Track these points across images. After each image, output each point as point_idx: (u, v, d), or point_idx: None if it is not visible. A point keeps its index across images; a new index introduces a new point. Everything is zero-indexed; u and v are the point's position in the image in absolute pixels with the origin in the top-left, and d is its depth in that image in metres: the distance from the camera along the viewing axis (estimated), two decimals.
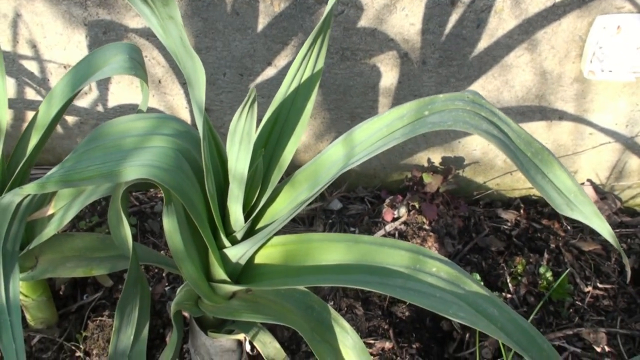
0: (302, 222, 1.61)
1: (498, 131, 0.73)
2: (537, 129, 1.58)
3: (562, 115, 1.55)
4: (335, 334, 1.20)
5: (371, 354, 1.37)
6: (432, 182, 1.57)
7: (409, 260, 1.01)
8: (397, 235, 1.57)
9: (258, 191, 0.95)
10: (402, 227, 1.59)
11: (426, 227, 1.57)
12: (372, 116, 0.85)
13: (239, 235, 1.03)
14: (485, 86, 1.51)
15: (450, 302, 0.95)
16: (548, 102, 1.53)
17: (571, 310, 1.46)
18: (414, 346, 1.37)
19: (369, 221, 1.62)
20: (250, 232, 1.06)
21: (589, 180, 1.68)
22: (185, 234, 1.05)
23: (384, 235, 1.58)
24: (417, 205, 1.58)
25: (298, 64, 0.87)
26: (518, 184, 1.70)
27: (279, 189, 1.00)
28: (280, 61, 1.49)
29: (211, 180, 0.89)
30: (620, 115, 1.54)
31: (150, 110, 1.59)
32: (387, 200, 1.61)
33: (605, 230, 0.85)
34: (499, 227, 1.62)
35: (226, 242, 1.03)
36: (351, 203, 1.67)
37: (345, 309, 1.45)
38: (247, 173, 0.85)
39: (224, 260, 1.08)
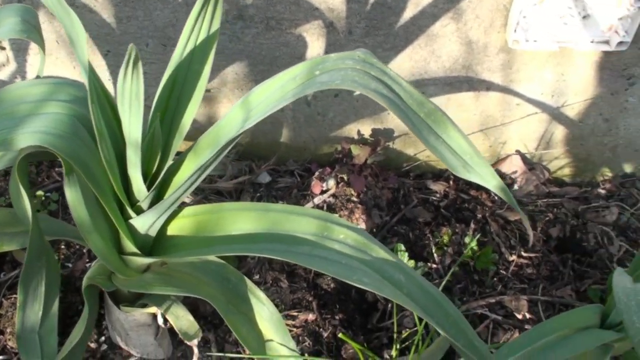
0: (229, 196, 1.59)
1: (388, 90, 0.72)
2: (464, 100, 1.57)
3: (489, 86, 1.55)
4: (251, 305, 1.18)
5: (294, 325, 1.36)
6: (360, 154, 1.56)
7: (317, 228, 1.00)
8: (325, 207, 1.56)
9: (159, 157, 0.92)
10: (331, 199, 1.58)
11: (354, 199, 1.56)
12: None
13: (144, 205, 1.01)
14: (412, 56, 1.49)
15: (355, 268, 0.94)
16: (475, 72, 1.53)
17: (495, 279, 1.47)
18: (337, 317, 1.37)
19: (298, 194, 1.61)
20: (156, 202, 1.03)
21: (517, 150, 1.69)
22: (92, 206, 1.02)
23: (313, 208, 1.57)
24: (345, 178, 1.57)
25: (191, 26, 0.84)
26: None
27: (183, 156, 0.98)
28: None
29: (106, 147, 0.86)
30: (546, 86, 1.55)
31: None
32: (317, 173, 1.60)
33: (503, 193, 0.85)
34: (428, 199, 1.63)
35: (131, 213, 1.01)
36: (280, 176, 1.66)
37: (271, 281, 1.44)
38: (141, 138, 0.82)
39: (132, 232, 1.06)
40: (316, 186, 1.58)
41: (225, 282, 1.19)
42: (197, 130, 1.64)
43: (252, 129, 1.60)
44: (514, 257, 1.51)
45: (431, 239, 1.51)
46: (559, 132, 1.65)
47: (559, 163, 1.73)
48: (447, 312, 0.97)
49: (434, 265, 1.47)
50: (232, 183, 1.57)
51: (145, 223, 1.03)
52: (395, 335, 1.26)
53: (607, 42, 1.45)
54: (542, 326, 1.11)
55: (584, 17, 1.41)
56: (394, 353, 1.24)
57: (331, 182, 1.58)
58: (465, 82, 1.54)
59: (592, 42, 1.45)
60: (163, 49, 1.49)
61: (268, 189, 1.61)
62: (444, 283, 1.38)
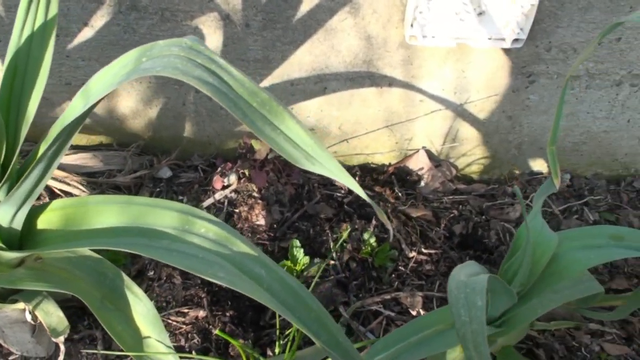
0: (127, 190, 1.55)
1: (215, 78, 0.70)
2: (368, 96, 1.57)
3: (391, 82, 1.55)
4: (128, 301, 1.16)
5: (184, 322, 1.33)
6: (261, 149, 1.54)
7: (179, 221, 0.98)
8: (226, 203, 1.54)
9: (5, 147, 0.89)
10: (233, 195, 1.56)
11: (255, 194, 1.54)
12: None
13: (0, 197, 0.97)
14: (312, 51, 1.48)
15: (212, 262, 0.92)
16: (376, 67, 1.52)
17: (393, 275, 1.47)
18: (227, 314, 1.35)
19: (199, 189, 1.58)
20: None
21: (423, 147, 1.69)
22: None
23: (214, 204, 1.55)
24: (247, 173, 1.55)
25: (25, 10, 0.81)
26: (356, 152, 1.69)
27: (38, 146, 0.95)
28: (97, 21, 1.42)
29: None
30: (447, 82, 1.55)
31: None
32: (219, 169, 1.57)
33: (352, 184, 0.84)
34: (332, 195, 1.61)
35: None
36: (183, 171, 1.63)
37: (165, 278, 1.41)
38: None
39: None
40: (217, 182, 1.55)
41: (101, 277, 1.16)
42: (96, 123, 1.61)
43: (154, 123, 1.57)
44: (413, 254, 1.51)
45: (330, 235, 1.50)
46: (464, 129, 1.65)
47: (467, 160, 1.73)
48: (309, 307, 0.96)
49: (332, 262, 1.46)
50: (129, 178, 1.54)
51: (4, 215, 1.00)
52: (278, 332, 1.24)
53: (503, 39, 1.46)
54: (418, 321, 1.10)
55: (480, 14, 1.42)
56: (277, 350, 1.23)
57: (232, 178, 1.56)
58: (367, 78, 1.54)
59: (489, 39, 1.46)
60: (55, 39, 1.45)
61: (168, 184, 1.58)
62: (315, 279, 1.37)
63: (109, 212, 1.01)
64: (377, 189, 1.63)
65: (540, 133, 1.68)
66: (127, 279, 1.15)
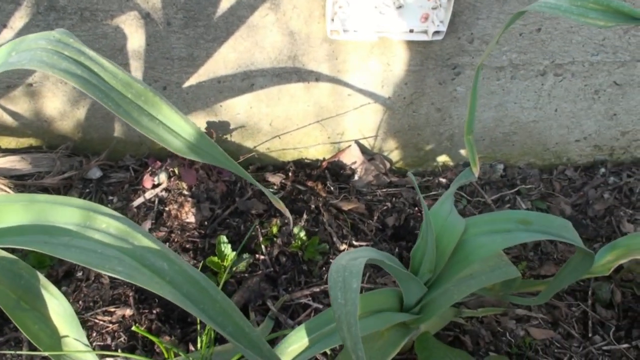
0: (56, 192, 1.54)
1: (84, 70, 0.70)
2: (296, 91, 1.58)
3: (318, 77, 1.56)
4: (44, 301, 1.15)
5: (110, 322, 1.33)
6: None
7: (80, 217, 0.97)
8: (157, 202, 1.54)
9: None
10: (164, 193, 1.55)
11: (186, 192, 1.54)
12: None
13: None
14: (236, 47, 1.49)
15: (110, 257, 0.92)
16: (302, 63, 1.53)
17: (324, 268, 1.48)
18: (154, 312, 1.34)
19: (129, 189, 1.58)
20: None
21: (356, 141, 1.71)
22: None
23: (144, 203, 1.54)
24: (176, 171, 1.54)
25: None
26: (289, 147, 1.70)
27: None
28: (17, 23, 1.42)
29: None
30: (374, 76, 1.56)
31: None
32: (149, 168, 1.57)
33: (240, 172, 0.85)
34: None
35: None
36: (114, 171, 1.62)
37: (93, 278, 1.40)
38: None
39: None
40: (147, 181, 1.55)
41: (17, 278, 1.15)
42: (24, 126, 1.59)
43: (83, 124, 1.56)
44: (344, 247, 1.51)
45: (260, 230, 1.50)
46: (395, 122, 1.67)
47: (400, 153, 1.75)
48: (213, 299, 0.96)
49: (262, 257, 1.46)
50: (58, 179, 1.53)
51: None
52: (198, 328, 1.24)
53: (425, 32, 1.48)
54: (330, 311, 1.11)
55: (399, 7, 1.43)
56: (199, 345, 1.23)
57: (163, 177, 1.56)
58: (294, 73, 1.54)
59: (410, 31, 1.47)
60: None
61: (98, 185, 1.57)
62: (199, 269, 1.37)
63: (14, 210, 1.00)
64: (309, 183, 1.64)
65: None
66: (43, 278, 1.14)
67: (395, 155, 1.75)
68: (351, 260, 0.78)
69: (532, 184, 1.76)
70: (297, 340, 1.06)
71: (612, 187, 1.76)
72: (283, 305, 1.39)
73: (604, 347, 1.38)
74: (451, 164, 1.79)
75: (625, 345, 1.38)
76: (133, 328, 1.19)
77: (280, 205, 0.89)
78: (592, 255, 1.19)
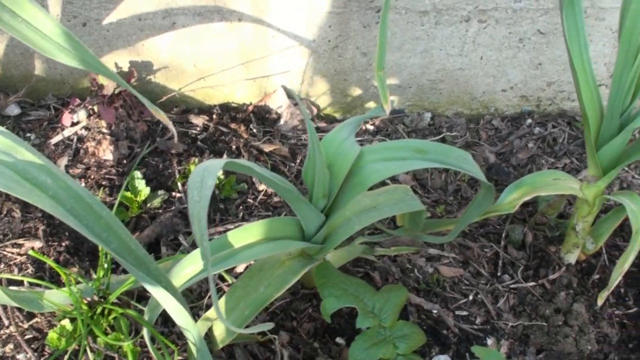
0: None
1: None
2: (220, 31, 1.57)
3: (240, 17, 1.55)
4: None
5: (19, 253, 1.32)
6: (109, 85, 1.53)
7: None
8: (75, 140, 1.53)
9: None
10: (83, 132, 1.54)
11: (105, 130, 1.53)
12: None
13: None
14: None
15: None
16: (224, 2, 1.52)
17: (241, 207, 1.48)
18: (63, 244, 1.34)
19: (48, 127, 1.56)
20: None
21: (282, 86, 1.70)
22: None
23: (62, 141, 1.53)
24: (96, 110, 1.53)
25: None
26: (214, 90, 1.69)
27: None
28: None
29: None
30: (297, 17, 1.56)
31: None
32: (69, 106, 1.56)
33: (117, 79, 0.84)
34: (187, 132, 1.61)
35: None
36: (34, 109, 1.61)
37: (5, 212, 1.39)
38: None
39: None
40: (66, 118, 1.54)
41: None
42: None
43: (2, 60, 1.54)
44: (263, 187, 1.52)
45: (177, 168, 1.50)
46: (321, 66, 1.67)
47: (328, 99, 1.75)
48: (98, 215, 0.96)
49: (178, 195, 1.46)
50: None
51: None
52: (101, 258, 1.24)
53: None
54: (230, 235, 1.11)
55: None
56: (100, 274, 1.22)
57: (82, 115, 1.54)
58: (216, 12, 1.53)
59: None
60: None
61: (16, 122, 1.56)
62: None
63: None
64: (233, 126, 1.64)
65: (398, 70, 1.70)
66: None
67: (322, 101, 1.75)
68: (214, 163, 0.79)
69: (459, 132, 1.78)
70: (191, 263, 1.06)
71: (536, 137, 1.78)
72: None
73: (512, 285, 1.41)
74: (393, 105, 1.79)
75: (532, 283, 1.41)
76: (30, 252, 1.18)
77: (161, 116, 0.89)
78: (492, 187, 1.21)
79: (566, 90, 1.79)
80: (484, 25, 1.63)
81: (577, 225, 1.36)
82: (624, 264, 1.22)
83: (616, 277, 1.22)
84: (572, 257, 1.43)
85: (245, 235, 1.10)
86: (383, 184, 1.58)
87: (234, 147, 1.58)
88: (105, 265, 1.17)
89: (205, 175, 0.75)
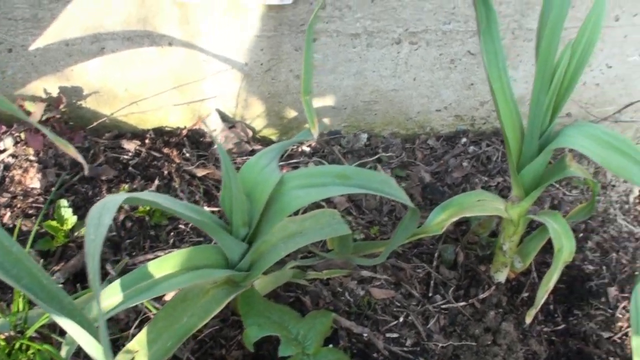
0: None
1: None
2: (150, 56, 1.56)
3: (171, 41, 1.54)
4: None
5: None
6: (35, 112, 1.50)
7: None
8: (2, 168, 1.49)
9: None
10: (10, 159, 1.51)
11: (32, 158, 1.51)
12: None
13: None
14: (83, 9, 1.46)
15: None
16: (153, 26, 1.51)
17: (173, 233, 1.46)
18: None
19: None
20: None
21: (216, 109, 1.70)
22: None
23: None
24: (22, 137, 1.50)
25: None
26: (148, 115, 1.68)
27: None
28: None
29: None
30: (228, 41, 1.56)
31: None
32: None
33: None
34: (119, 157, 1.59)
35: None
36: None
37: None
38: None
39: None
40: None
41: None
42: None
43: None
44: None
45: (106, 195, 1.48)
46: (255, 89, 1.67)
47: (264, 121, 1.75)
48: (8, 249, 0.93)
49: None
50: None
51: None
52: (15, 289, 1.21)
53: None
54: (151, 266, 1.10)
55: None
56: (20, 306, 1.20)
57: (8, 142, 1.51)
58: (145, 37, 1.52)
59: None
60: None
61: None
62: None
63: None
64: (165, 150, 1.63)
65: (332, 92, 1.71)
66: None
67: (258, 124, 1.75)
68: (113, 199, 0.78)
69: (394, 152, 1.79)
70: (110, 296, 1.05)
71: (471, 156, 1.81)
72: (124, 269, 1.37)
73: (443, 306, 1.42)
74: (321, 129, 1.80)
75: (463, 303, 1.42)
76: None
77: (70, 150, 0.87)
78: (417, 211, 1.22)
79: None
80: (415, 47, 1.65)
81: (504, 245, 1.38)
82: (549, 283, 1.24)
83: (542, 295, 1.24)
84: (501, 276, 1.45)
85: (165, 265, 1.08)
86: (319, 206, 1.59)
87: (165, 172, 1.56)
88: (21, 299, 1.15)
89: (103, 212, 0.74)
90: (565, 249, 1.24)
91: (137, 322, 1.28)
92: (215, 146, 1.69)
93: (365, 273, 1.45)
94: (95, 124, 1.64)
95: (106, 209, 0.74)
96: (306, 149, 1.77)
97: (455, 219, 1.31)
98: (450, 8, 1.59)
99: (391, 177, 1.17)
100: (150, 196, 0.86)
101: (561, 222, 1.27)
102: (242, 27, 1.54)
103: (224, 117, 1.71)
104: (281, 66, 1.63)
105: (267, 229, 1.10)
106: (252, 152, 1.72)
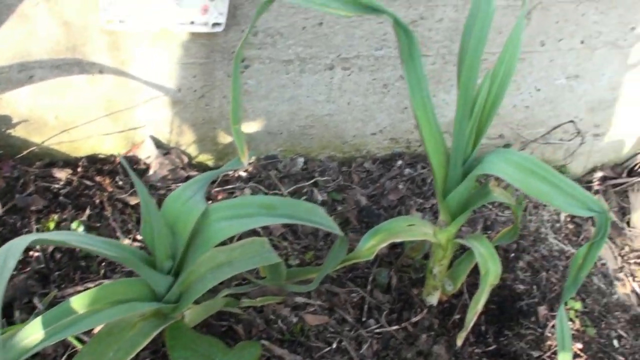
0: None
1: None
2: (80, 84, 1.54)
3: (101, 69, 1.53)
4: None
5: None
6: None
7: None
8: None
9: None
10: None
11: None
12: None
13: None
14: (9, 37, 1.43)
15: None
16: (82, 54, 1.49)
17: (104, 264, 1.44)
18: None
19: None
20: None
21: (150, 136, 1.68)
22: None
23: None
24: None
25: None
26: (80, 142, 1.65)
27: None
28: None
29: None
30: (160, 68, 1.55)
31: None
32: None
33: None
34: (49, 186, 1.57)
35: None
36: None
37: None
38: None
39: None
40: None
41: None
42: None
43: None
44: (128, 241, 1.49)
45: (34, 226, 1.46)
46: (188, 115, 1.66)
47: (200, 147, 1.74)
48: None
49: (35, 254, 1.41)
50: None
51: None
52: None
53: (206, 24, 1.48)
54: (74, 301, 1.08)
55: None
56: None
57: None
58: (75, 65, 1.51)
59: (192, 23, 1.47)
60: None
61: None
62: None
63: None
64: (98, 178, 1.61)
65: (267, 117, 1.72)
66: None
67: (193, 150, 1.74)
68: (18, 243, 0.77)
69: (331, 176, 1.81)
70: (33, 332, 1.03)
71: (406, 178, 1.83)
72: (52, 302, 1.34)
73: (376, 330, 1.43)
74: (253, 156, 1.81)
75: (396, 327, 1.44)
76: None
77: None
78: (345, 238, 1.23)
79: None
80: (348, 73, 1.67)
81: (434, 269, 1.41)
82: (477, 306, 1.27)
83: (471, 318, 1.26)
84: (433, 299, 1.47)
85: (89, 300, 1.07)
86: (255, 232, 1.59)
87: (97, 201, 1.55)
88: None
89: (7, 256, 0.73)
90: (492, 272, 1.27)
91: (64, 357, 1.26)
92: (151, 172, 1.68)
93: (299, 299, 1.46)
94: (25, 152, 1.61)
95: (10, 253, 0.73)
96: (243, 174, 1.77)
97: (385, 244, 1.33)
98: (381, 34, 1.61)
99: (318, 206, 1.18)
100: (60, 235, 0.85)
101: (487, 246, 1.30)
102: (174, 54, 1.53)
103: (158, 144, 1.70)
104: (215, 92, 1.63)
105: (192, 261, 1.09)
106: (188, 178, 1.71)
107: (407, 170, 1.86)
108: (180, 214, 1.08)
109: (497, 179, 1.69)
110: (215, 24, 1.48)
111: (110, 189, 1.58)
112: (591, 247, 1.17)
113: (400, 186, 1.81)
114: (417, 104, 1.23)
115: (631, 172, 2.14)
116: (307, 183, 1.76)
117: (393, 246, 1.62)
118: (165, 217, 1.08)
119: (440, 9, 1.60)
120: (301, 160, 1.83)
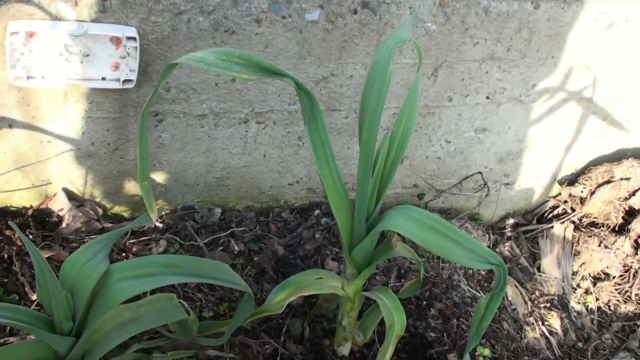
0: None
1: None
2: None
3: (11, 123, 1.52)
4: None
5: None
6: None
7: None
8: None
9: None
10: None
11: None
12: None
13: None
14: None
15: None
16: None
17: None
18: None
19: None
20: None
21: (64, 188, 1.67)
22: None
23: None
24: None
25: None
26: None
27: None
28: None
29: None
30: (72, 122, 1.55)
31: None
32: None
33: None
34: None
35: None
36: None
37: None
38: None
39: None
40: None
41: None
42: None
43: None
44: (35, 296, 1.47)
45: None
46: (103, 168, 1.66)
47: (114, 199, 1.74)
48: None
49: None
50: None
51: None
52: None
53: (117, 80, 1.49)
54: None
55: (86, 55, 1.44)
56: None
57: None
58: None
59: (103, 79, 1.48)
60: None
61: None
62: None
63: None
64: (7, 232, 1.58)
65: (183, 169, 1.73)
66: None
67: (108, 202, 1.74)
68: None
69: (248, 226, 1.83)
70: None
71: (323, 228, 1.87)
72: None
73: None
74: (168, 208, 1.81)
75: None
76: None
77: None
78: (251, 295, 1.25)
79: (349, 182, 1.90)
80: (263, 126, 1.71)
81: (343, 321, 1.43)
82: (384, 357, 1.30)
83: None
84: (344, 350, 1.50)
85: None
86: (171, 285, 1.59)
87: (6, 255, 1.52)
88: None
89: None
90: (397, 324, 1.31)
91: None
92: (64, 225, 1.66)
93: (212, 352, 1.46)
94: None
95: None
96: (159, 225, 1.77)
97: (293, 297, 1.36)
98: (293, 90, 1.65)
99: (223, 263, 1.20)
100: None
101: (392, 298, 1.34)
102: (86, 109, 1.54)
103: (71, 196, 1.69)
104: (129, 145, 1.64)
105: (94, 321, 1.09)
106: (103, 230, 1.70)
107: (324, 220, 1.90)
108: (80, 275, 1.08)
109: None
110: (126, 81, 1.49)
111: (19, 243, 1.56)
112: (492, 299, 1.23)
113: (317, 235, 1.84)
114: (321, 163, 1.27)
115: (541, 219, 2.24)
116: (224, 233, 1.78)
117: (308, 296, 1.65)
118: (64, 280, 1.08)
119: (350, 66, 1.66)
120: (218, 210, 1.84)
